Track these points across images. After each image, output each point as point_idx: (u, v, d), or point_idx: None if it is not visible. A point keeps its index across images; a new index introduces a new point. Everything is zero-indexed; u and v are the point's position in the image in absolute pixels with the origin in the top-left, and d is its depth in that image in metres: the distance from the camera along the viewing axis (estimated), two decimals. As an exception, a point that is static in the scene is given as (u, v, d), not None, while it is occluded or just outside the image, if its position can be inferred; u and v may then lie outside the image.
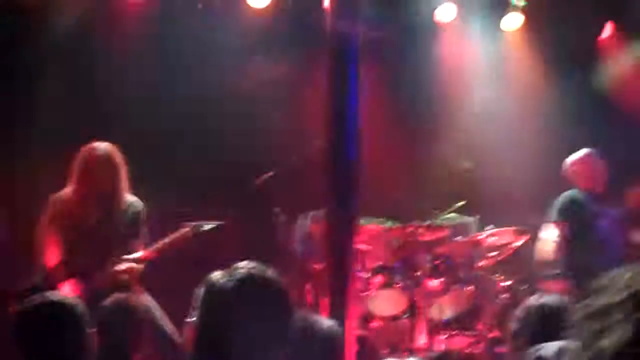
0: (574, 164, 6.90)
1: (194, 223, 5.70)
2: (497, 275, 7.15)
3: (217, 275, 2.59)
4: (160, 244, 5.64)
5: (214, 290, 2.54)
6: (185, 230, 5.66)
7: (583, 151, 6.92)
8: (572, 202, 6.75)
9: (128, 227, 5.67)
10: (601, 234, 6.67)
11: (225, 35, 7.66)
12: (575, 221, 6.68)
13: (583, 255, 6.54)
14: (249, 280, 2.55)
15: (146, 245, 5.69)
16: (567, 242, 6.70)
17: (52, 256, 5.54)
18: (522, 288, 7.01)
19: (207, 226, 5.73)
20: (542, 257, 6.85)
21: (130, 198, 5.74)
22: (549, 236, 6.79)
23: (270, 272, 2.62)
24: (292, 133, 7.63)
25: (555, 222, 6.78)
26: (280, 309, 2.58)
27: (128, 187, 5.72)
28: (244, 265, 2.60)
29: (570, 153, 7.03)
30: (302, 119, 7.45)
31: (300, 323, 2.93)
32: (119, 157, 5.65)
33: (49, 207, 5.63)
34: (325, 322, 3.28)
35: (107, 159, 5.59)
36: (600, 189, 6.80)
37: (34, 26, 7.18)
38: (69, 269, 5.51)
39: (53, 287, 5.36)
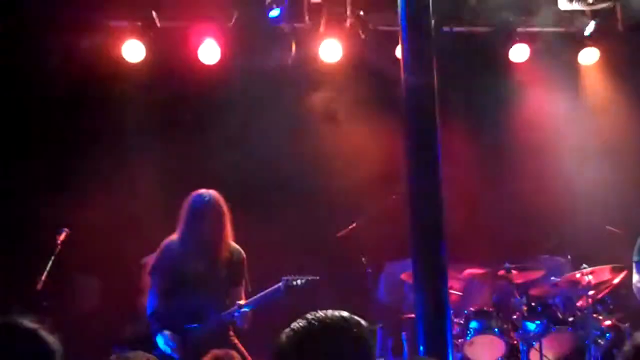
0: None
1: (287, 277, 5.71)
2: (597, 314, 6.90)
3: (285, 330, 2.47)
4: (256, 298, 5.67)
5: (276, 346, 2.42)
6: (279, 284, 5.67)
7: None
8: None
9: (231, 275, 5.72)
10: None
11: (300, 92, 7.81)
12: None
13: None
14: (310, 330, 2.39)
15: (246, 293, 5.73)
16: None
17: (153, 304, 5.64)
18: (624, 326, 6.74)
19: (300, 281, 5.73)
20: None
21: (233, 245, 5.80)
22: (635, 278, 6.52)
23: (340, 319, 2.42)
24: (375, 183, 7.62)
25: (636, 262, 6.48)
26: (349, 356, 2.40)
27: (232, 235, 5.78)
28: (310, 315, 2.45)
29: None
30: (383, 168, 7.46)
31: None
32: (224, 205, 5.72)
33: (157, 253, 5.75)
34: None
35: (213, 206, 5.67)
36: None
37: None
38: (169, 317, 5.58)
39: (151, 337, 5.46)
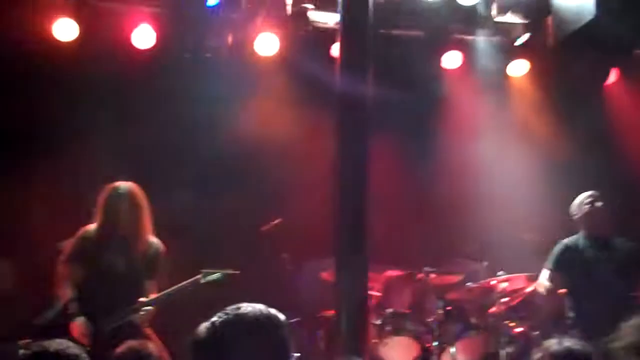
0: (577, 208, 6.79)
1: (205, 270, 5.70)
2: (509, 321, 7.08)
3: (203, 323, 2.48)
4: (171, 290, 5.64)
5: (195, 339, 2.43)
6: (196, 277, 5.65)
7: (583, 195, 6.75)
8: (566, 250, 6.63)
9: (147, 268, 5.66)
10: (600, 280, 6.48)
11: (232, 84, 7.75)
12: (569, 269, 6.58)
13: (581, 301, 6.48)
14: (232, 323, 2.42)
15: (160, 289, 5.69)
16: (559, 291, 6.61)
17: (67, 291, 5.55)
18: (534, 334, 6.93)
19: (218, 275, 5.71)
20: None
21: (152, 239, 5.74)
22: (542, 285, 6.73)
23: (260, 314, 2.40)
24: (300, 181, 7.65)
25: (548, 270, 6.71)
26: (271, 350, 2.41)
27: (150, 229, 5.72)
28: (230, 310, 2.47)
29: (576, 197, 6.92)
30: (311, 166, 7.48)
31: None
32: (141, 198, 5.66)
33: (73, 241, 5.66)
34: None
35: (128, 199, 5.61)
36: (604, 233, 6.67)
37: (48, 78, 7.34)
38: (82, 307, 5.50)
39: (65, 324, 5.38)
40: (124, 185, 5.66)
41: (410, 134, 8.30)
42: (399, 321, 6.95)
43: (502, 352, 6.82)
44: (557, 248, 6.73)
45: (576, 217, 6.73)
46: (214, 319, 2.40)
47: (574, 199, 6.83)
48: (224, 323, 2.38)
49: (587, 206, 6.67)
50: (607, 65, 8.46)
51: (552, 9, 7.40)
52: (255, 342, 2.36)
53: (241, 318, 2.39)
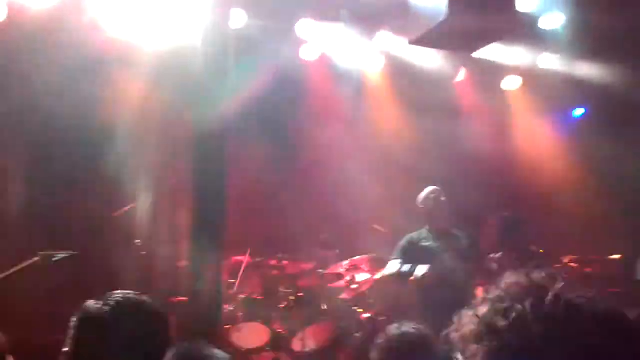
0: (420, 201, 7.07)
1: (44, 252, 5.58)
2: (358, 307, 7.33)
3: (90, 302, 2.54)
4: (6, 273, 5.47)
5: (86, 318, 2.49)
6: (35, 259, 5.52)
7: (428, 189, 6.93)
8: (411, 243, 6.77)
9: None
10: (443, 269, 6.64)
11: (81, 61, 7.51)
12: (414, 261, 6.72)
13: (427, 290, 6.65)
14: (123, 305, 2.50)
15: None
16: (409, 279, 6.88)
17: None
18: (381, 319, 7.21)
19: (59, 256, 5.61)
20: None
21: None
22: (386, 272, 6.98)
23: (145, 298, 2.56)
24: (159, 166, 7.57)
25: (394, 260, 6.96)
26: (157, 334, 2.54)
27: None
28: (118, 292, 2.56)
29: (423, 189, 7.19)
30: (168, 152, 7.42)
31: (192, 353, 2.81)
32: None
33: None
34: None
35: None
36: (445, 226, 6.90)
37: None
38: None
39: None
40: None
41: (269, 124, 8.37)
42: (251, 307, 7.04)
43: (350, 337, 7.06)
44: (403, 241, 6.94)
45: (421, 210, 6.99)
46: (111, 299, 2.49)
47: (419, 192, 7.10)
48: (118, 305, 2.47)
49: (431, 200, 6.94)
50: (457, 64, 8.87)
51: (408, 6, 7.66)
52: (144, 325, 2.50)
53: (130, 302, 2.49)
